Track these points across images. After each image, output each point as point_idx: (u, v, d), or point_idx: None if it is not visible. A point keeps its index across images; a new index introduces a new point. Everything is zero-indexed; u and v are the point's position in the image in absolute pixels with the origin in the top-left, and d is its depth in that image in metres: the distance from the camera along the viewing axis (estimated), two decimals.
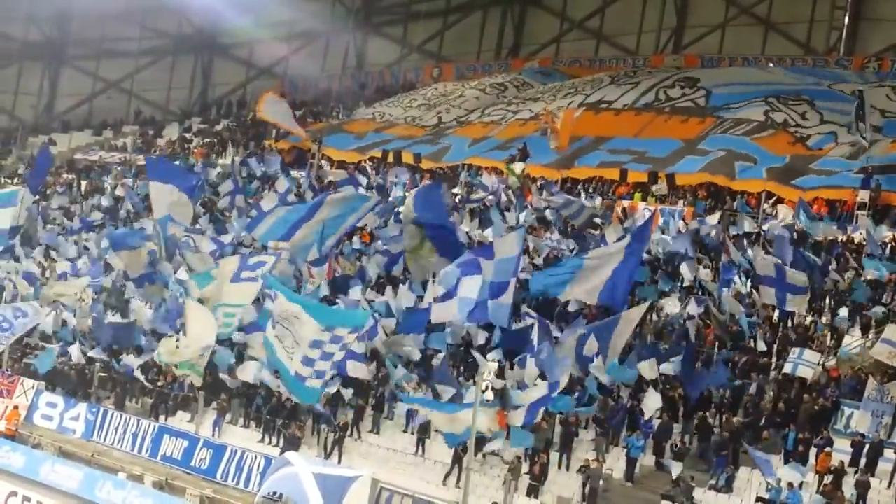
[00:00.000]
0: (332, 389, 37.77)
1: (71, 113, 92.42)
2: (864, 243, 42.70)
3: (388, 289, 43.86)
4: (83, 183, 71.28)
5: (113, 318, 46.74)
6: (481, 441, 32.48)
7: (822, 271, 39.85)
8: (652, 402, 34.27)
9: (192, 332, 38.53)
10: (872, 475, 30.90)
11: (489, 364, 32.86)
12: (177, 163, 63.42)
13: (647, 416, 34.18)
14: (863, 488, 30.16)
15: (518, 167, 56.81)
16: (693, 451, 33.88)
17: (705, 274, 42.15)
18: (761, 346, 36.96)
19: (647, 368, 35.11)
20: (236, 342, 42.09)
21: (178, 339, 39.31)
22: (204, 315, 38.88)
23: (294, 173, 61.57)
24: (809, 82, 60.10)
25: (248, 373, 40.38)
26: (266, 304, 41.30)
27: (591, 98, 63.74)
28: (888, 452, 31.32)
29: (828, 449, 31.65)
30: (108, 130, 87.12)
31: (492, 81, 73.36)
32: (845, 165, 49.87)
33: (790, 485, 30.01)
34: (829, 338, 37.16)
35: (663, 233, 46.14)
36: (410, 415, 37.33)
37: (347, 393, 38.42)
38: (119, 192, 65.41)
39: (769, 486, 30.56)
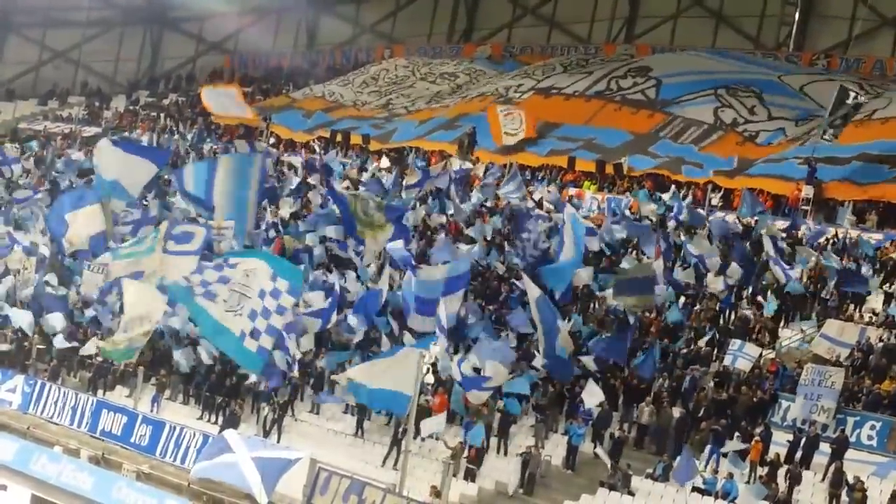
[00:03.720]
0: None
1: (16, 81, 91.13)
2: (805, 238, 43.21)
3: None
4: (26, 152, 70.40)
5: (52, 287, 46.17)
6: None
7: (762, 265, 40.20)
8: (593, 396, 34.16)
9: (136, 313, 37.82)
10: (807, 468, 31.19)
11: (432, 348, 32.75)
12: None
13: (585, 407, 34.16)
14: (794, 481, 30.41)
15: None
16: (631, 441, 34.19)
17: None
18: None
19: (589, 362, 35.26)
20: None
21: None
22: (148, 293, 38.25)
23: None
24: (758, 71, 60.49)
25: (182, 360, 40.03)
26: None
27: (543, 84, 63.75)
28: (824, 446, 31.59)
29: (757, 439, 31.88)
30: (53, 100, 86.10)
31: (443, 71, 73.06)
32: (791, 154, 50.27)
33: (730, 475, 30.24)
34: (767, 331, 37.49)
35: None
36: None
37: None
38: (59, 164, 64.52)
39: (704, 479, 30.78)
